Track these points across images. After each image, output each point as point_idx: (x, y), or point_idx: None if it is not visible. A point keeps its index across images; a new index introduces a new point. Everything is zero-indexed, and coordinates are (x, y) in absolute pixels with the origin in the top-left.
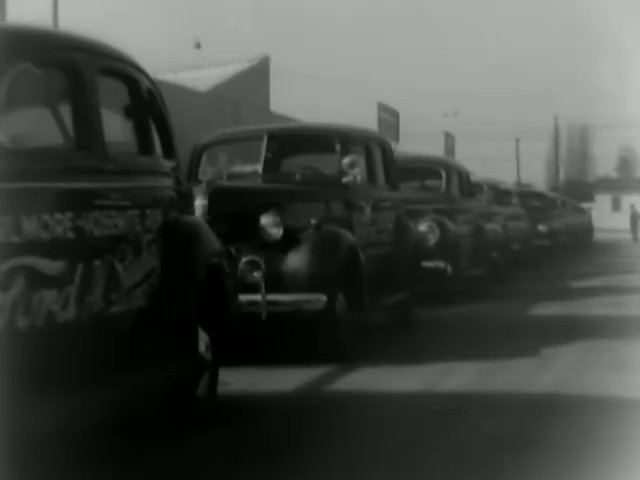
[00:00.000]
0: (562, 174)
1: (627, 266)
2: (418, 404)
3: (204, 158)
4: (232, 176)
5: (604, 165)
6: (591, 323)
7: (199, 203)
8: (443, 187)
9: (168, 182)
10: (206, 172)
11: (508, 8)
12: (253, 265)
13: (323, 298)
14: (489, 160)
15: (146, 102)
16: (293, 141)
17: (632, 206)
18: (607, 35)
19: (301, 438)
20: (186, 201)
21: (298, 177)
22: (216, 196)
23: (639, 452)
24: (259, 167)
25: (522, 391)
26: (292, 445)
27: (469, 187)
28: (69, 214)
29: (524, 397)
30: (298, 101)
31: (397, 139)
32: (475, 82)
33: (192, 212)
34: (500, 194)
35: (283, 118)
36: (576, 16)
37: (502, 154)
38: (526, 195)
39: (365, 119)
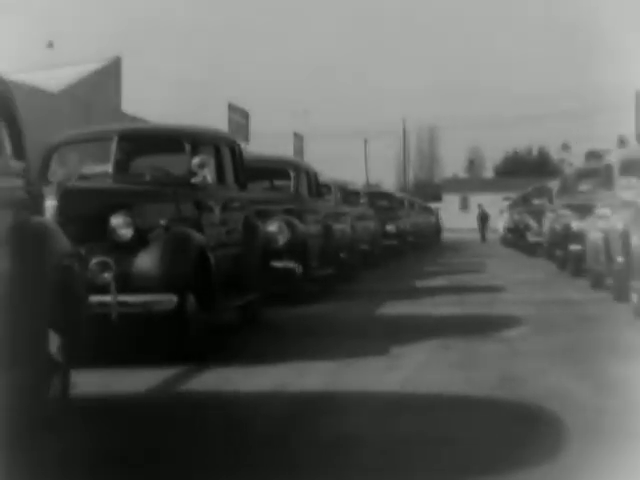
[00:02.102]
0: (411, 174)
1: (474, 265)
2: (268, 404)
3: (54, 159)
4: (82, 177)
5: (452, 165)
6: (438, 322)
7: (49, 204)
8: (292, 187)
9: (18, 183)
10: (56, 173)
11: (352, 7)
12: (103, 266)
13: (174, 299)
14: (338, 160)
15: None
16: (143, 142)
17: (480, 206)
18: (456, 37)
19: (152, 439)
20: (36, 202)
21: (148, 178)
22: (66, 197)
23: (487, 450)
24: (109, 168)
25: (372, 390)
26: (143, 446)
27: (318, 187)
28: None
29: (374, 396)
30: (150, 101)
31: (247, 139)
32: (325, 82)
33: (42, 213)
34: (348, 194)
35: (134, 119)
36: (426, 15)
37: (351, 155)
38: (374, 195)
39: (216, 120)
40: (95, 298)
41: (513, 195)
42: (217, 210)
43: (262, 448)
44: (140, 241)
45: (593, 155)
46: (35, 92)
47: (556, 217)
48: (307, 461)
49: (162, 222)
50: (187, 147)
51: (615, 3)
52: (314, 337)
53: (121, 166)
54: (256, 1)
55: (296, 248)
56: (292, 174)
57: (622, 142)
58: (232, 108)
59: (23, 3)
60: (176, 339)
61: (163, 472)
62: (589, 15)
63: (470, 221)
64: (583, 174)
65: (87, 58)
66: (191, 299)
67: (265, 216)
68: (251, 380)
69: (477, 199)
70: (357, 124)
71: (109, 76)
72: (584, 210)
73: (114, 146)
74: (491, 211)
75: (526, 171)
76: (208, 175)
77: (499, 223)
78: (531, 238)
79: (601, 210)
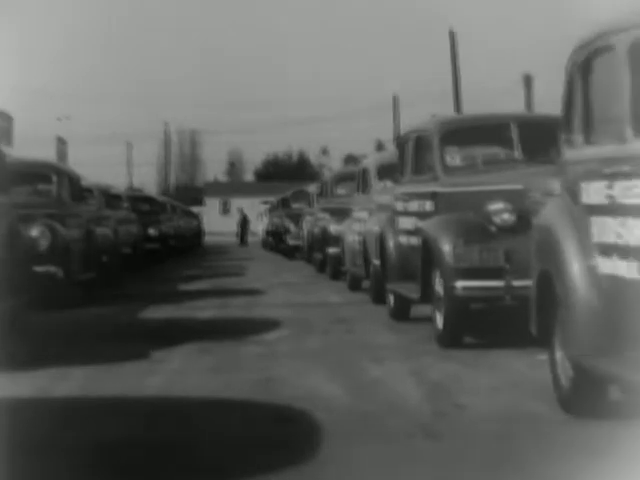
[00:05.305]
0: (173, 178)
1: (235, 269)
2: (29, 410)
3: None
4: None
5: (214, 169)
6: (199, 325)
7: None
8: (54, 192)
9: None
10: None
11: (118, 9)
12: None
13: None
14: (103, 165)
15: None
16: None
17: (240, 210)
18: (216, 43)
19: None
20: None
21: None
22: None
23: (241, 452)
24: None
25: (132, 395)
26: None
27: (80, 191)
28: None
29: (134, 400)
30: None
31: (10, 143)
32: (87, 87)
33: None
34: (111, 198)
35: None
36: (188, 19)
37: (115, 158)
38: (136, 199)
39: None
40: None
41: (273, 199)
42: None
43: (17, 455)
44: None
45: (351, 159)
46: None
47: (314, 220)
48: (63, 467)
49: None
50: None
51: (375, 7)
52: (75, 342)
53: None
54: (12, 1)
55: (58, 252)
56: (54, 178)
57: (380, 146)
58: None
59: None
60: None
61: None
62: (349, 19)
63: (231, 224)
64: (341, 178)
65: None
66: None
67: (27, 220)
68: (11, 386)
69: (238, 202)
70: (120, 127)
71: None
72: (342, 213)
73: None
74: (252, 214)
75: (286, 175)
76: None
77: (259, 226)
78: (291, 241)
79: (358, 213)
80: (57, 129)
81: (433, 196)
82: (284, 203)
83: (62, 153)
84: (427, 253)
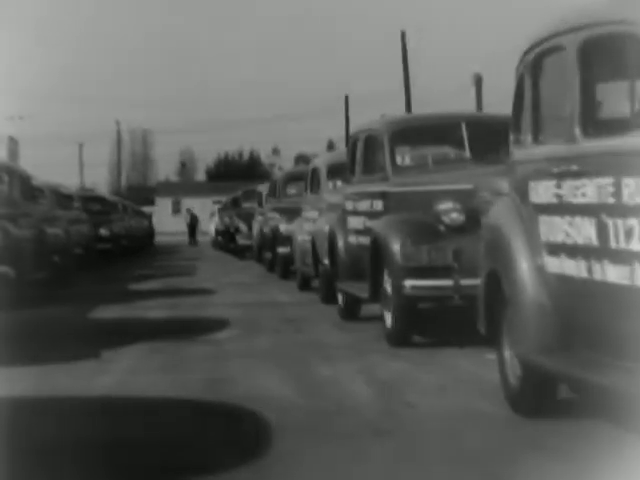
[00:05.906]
0: (125, 178)
1: (186, 268)
2: None
3: None
4: None
5: (165, 169)
6: (150, 325)
7: None
8: (5, 191)
9: None
10: None
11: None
12: None
13: None
14: (54, 165)
15: None
16: None
17: (188, 210)
18: (169, 44)
19: None
20: None
21: None
22: None
23: (189, 451)
24: None
25: (81, 394)
26: None
27: (31, 191)
28: None
29: (82, 400)
30: None
31: None
32: (40, 89)
33: None
34: (62, 198)
35: None
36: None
37: (67, 158)
38: (88, 199)
39: None
40: None
41: (224, 198)
42: None
43: None
44: None
45: (302, 159)
46: None
47: (265, 220)
48: (7, 468)
49: None
50: None
51: (327, 6)
52: (25, 342)
53: None
54: None
55: (10, 252)
56: (5, 178)
57: (331, 146)
58: None
59: None
60: None
61: None
62: (300, 18)
63: (182, 224)
64: (292, 177)
65: None
66: None
67: None
68: None
69: (190, 202)
70: (73, 127)
71: None
72: (292, 213)
73: None
74: (203, 214)
75: (237, 174)
76: None
77: (210, 226)
78: (241, 241)
79: (308, 213)
80: (8, 129)
81: (383, 196)
82: (235, 203)
83: (13, 153)
84: (376, 252)
